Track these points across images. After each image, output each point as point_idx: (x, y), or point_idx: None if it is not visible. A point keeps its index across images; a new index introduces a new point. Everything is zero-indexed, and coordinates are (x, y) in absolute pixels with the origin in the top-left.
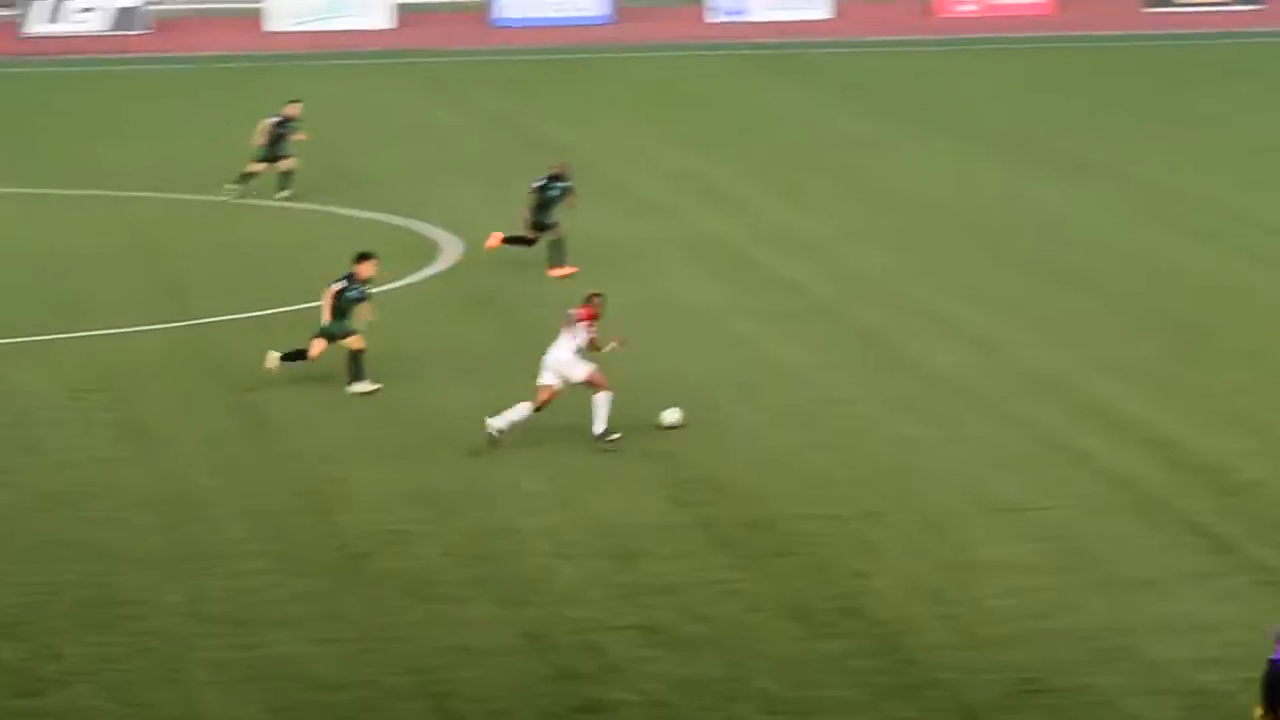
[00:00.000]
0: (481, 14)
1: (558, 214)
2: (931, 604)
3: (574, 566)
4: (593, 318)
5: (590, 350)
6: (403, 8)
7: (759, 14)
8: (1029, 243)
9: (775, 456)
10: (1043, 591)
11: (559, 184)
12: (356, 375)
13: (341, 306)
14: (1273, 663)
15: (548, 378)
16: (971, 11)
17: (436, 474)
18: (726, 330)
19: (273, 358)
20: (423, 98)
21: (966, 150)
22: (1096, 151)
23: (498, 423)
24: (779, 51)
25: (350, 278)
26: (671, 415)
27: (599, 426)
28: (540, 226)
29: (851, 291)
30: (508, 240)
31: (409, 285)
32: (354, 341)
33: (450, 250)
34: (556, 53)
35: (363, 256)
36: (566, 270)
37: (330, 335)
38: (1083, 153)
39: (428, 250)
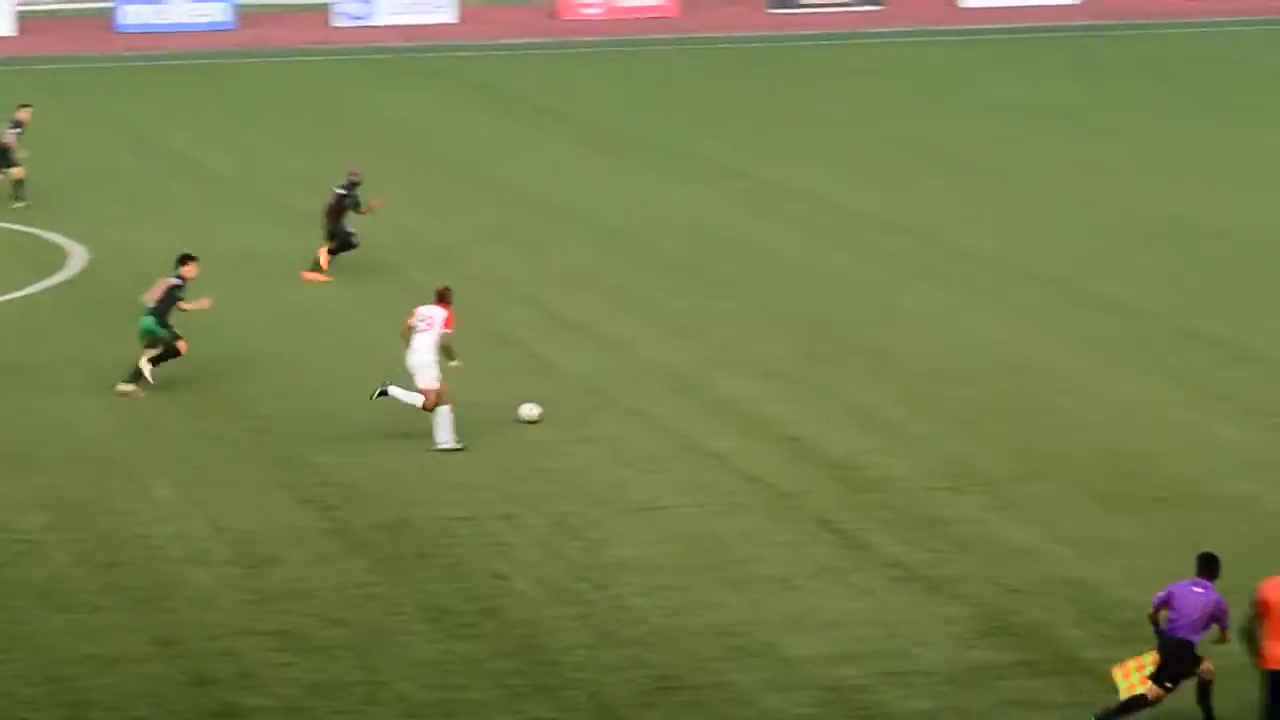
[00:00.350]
0: (104, 20)
1: (352, 221)
2: (569, 604)
3: (207, 573)
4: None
5: (443, 355)
6: (24, 15)
7: (384, 18)
8: (660, 243)
9: (409, 460)
10: (679, 590)
11: (355, 190)
12: (137, 376)
13: (168, 306)
14: (1172, 639)
15: (424, 379)
16: (596, 15)
17: (67, 482)
18: (359, 335)
19: (141, 374)
20: (46, 105)
21: (597, 152)
22: (724, 152)
23: (444, 439)
24: (406, 56)
25: (180, 278)
26: (529, 410)
27: (442, 436)
28: (335, 234)
29: (484, 294)
30: (332, 251)
31: (35, 294)
32: (183, 345)
33: (76, 258)
34: (180, 59)
35: (186, 258)
36: (321, 277)
37: (171, 335)
38: (711, 154)
39: (54, 258)
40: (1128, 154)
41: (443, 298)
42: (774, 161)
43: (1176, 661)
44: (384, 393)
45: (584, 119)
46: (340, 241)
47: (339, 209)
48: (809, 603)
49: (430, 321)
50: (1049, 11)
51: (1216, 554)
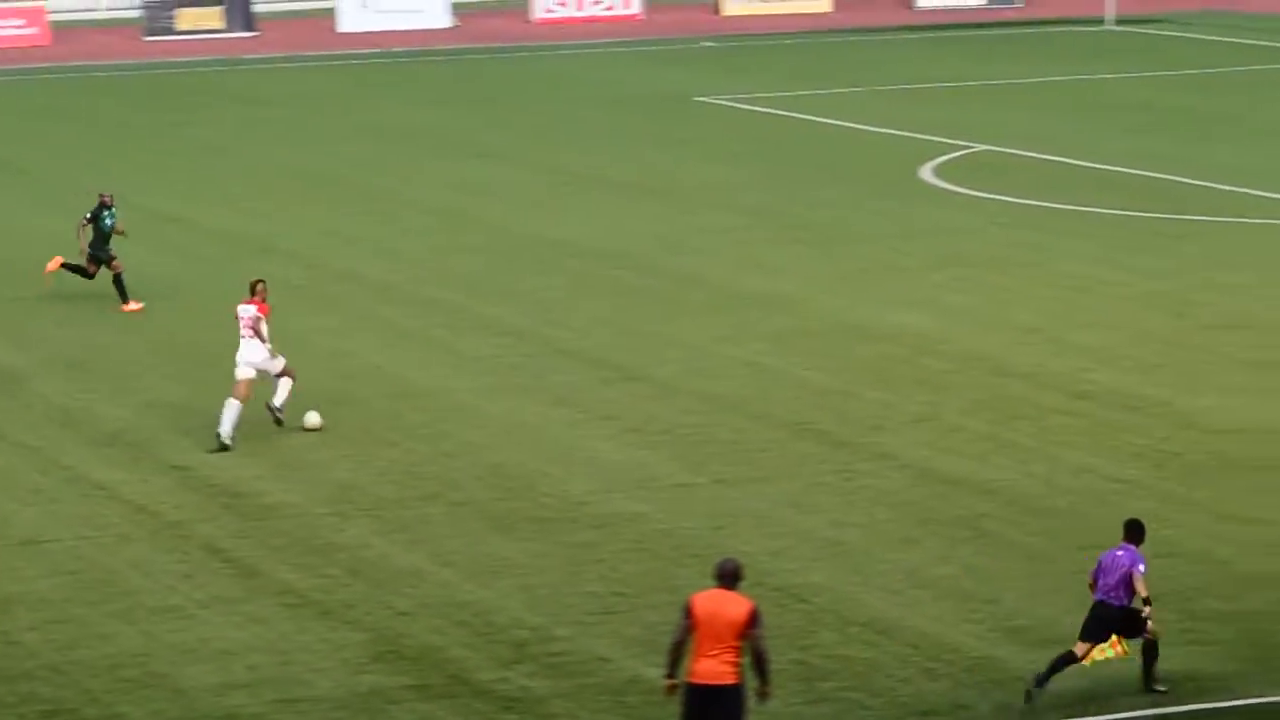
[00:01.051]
0: None
1: (112, 245)
2: None
3: None
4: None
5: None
6: None
7: None
8: (43, 273)
9: None
10: (69, 623)
11: (109, 212)
12: None
13: None
14: (1098, 603)
15: (244, 371)
16: None
17: None
18: None
19: None
20: None
21: None
22: (100, 180)
23: (224, 429)
24: None
25: None
26: (312, 418)
27: (279, 400)
28: (97, 260)
29: None
30: (66, 266)
31: None
32: None
33: None
34: None
35: None
36: (134, 305)
37: None
38: (86, 182)
39: None
40: (503, 176)
41: (254, 291)
42: (151, 189)
43: (1105, 624)
44: (224, 446)
45: None
46: (88, 261)
47: (98, 234)
48: (201, 632)
49: (251, 324)
50: (420, 35)
51: (1141, 520)
